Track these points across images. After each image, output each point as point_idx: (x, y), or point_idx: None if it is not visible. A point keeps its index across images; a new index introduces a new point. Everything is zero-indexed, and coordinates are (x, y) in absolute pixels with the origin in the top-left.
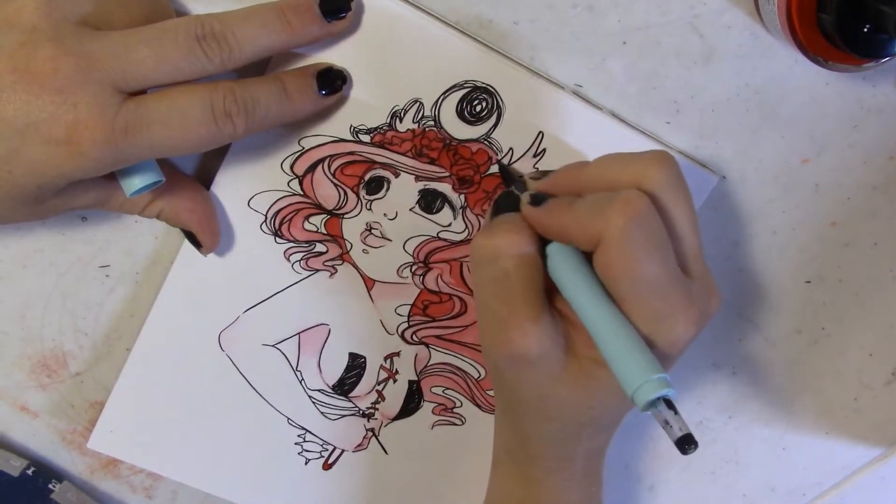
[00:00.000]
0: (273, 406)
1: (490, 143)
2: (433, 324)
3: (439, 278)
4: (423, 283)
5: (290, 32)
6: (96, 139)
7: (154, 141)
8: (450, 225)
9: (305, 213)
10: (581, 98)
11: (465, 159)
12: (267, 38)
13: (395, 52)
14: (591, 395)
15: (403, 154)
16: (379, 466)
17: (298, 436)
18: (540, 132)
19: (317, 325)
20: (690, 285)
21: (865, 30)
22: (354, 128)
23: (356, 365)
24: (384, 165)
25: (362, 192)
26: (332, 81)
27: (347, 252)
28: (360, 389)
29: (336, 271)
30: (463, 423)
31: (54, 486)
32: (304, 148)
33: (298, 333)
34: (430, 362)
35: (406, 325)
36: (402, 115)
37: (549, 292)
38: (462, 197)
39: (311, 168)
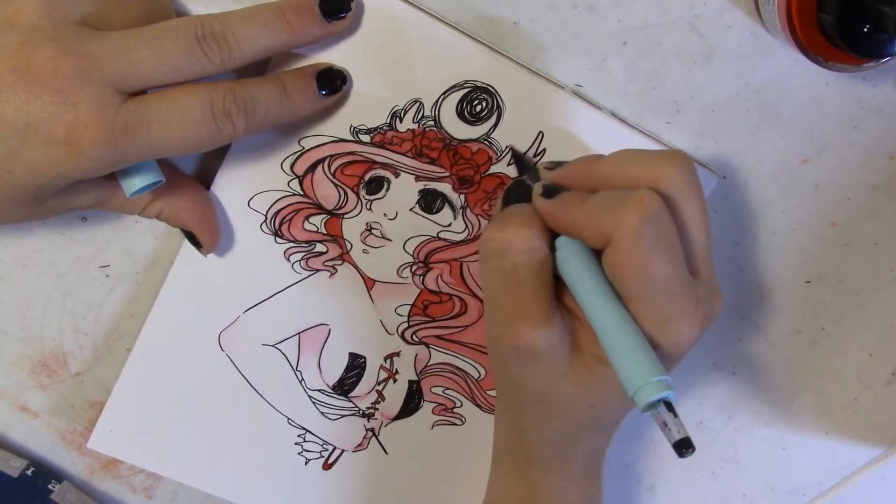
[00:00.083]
0: (273, 406)
1: (490, 143)
2: (433, 324)
3: (439, 278)
4: (423, 283)
5: (290, 32)
6: (96, 139)
7: (154, 141)
8: (450, 225)
9: (305, 213)
10: (581, 98)
11: (465, 159)
12: (267, 38)
13: (395, 52)
14: (594, 392)
15: (403, 154)
16: (379, 466)
17: (298, 436)
18: (540, 132)
19: (317, 325)
20: (698, 287)
21: (865, 30)
22: (354, 128)
23: (356, 365)
24: (384, 165)
25: (362, 192)
26: (332, 81)
27: (347, 252)
28: (360, 389)
29: (336, 271)
30: (463, 423)
31: (54, 487)
32: (304, 148)
33: (298, 333)
34: (430, 362)
35: (406, 325)
36: (402, 115)
37: (557, 287)
38: (462, 197)
39: (311, 168)
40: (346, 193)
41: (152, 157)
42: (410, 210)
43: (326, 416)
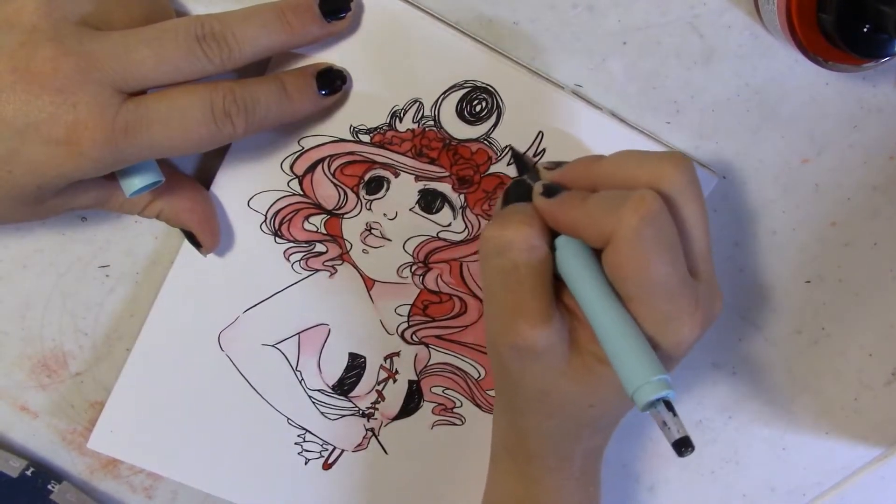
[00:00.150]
0: (273, 406)
1: (490, 143)
2: (433, 324)
3: (439, 278)
4: (422, 283)
5: (289, 32)
6: (96, 139)
7: (154, 141)
8: (450, 225)
9: (305, 213)
10: (581, 98)
11: (464, 159)
12: (267, 38)
13: (394, 52)
14: (593, 391)
15: (403, 154)
16: (379, 466)
17: (298, 436)
18: (540, 132)
19: (317, 325)
20: (698, 288)
21: (865, 30)
22: (354, 128)
23: (356, 365)
24: (384, 165)
25: (362, 192)
26: (332, 81)
27: (347, 252)
28: (359, 389)
29: (336, 271)
30: (463, 423)
31: (53, 487)
32: (303, 148)
33: (298, 333)
34: (430, 362)
35: (406, 325)
36: (401, 114)
37: (556, 286)
38: (462, 197)
39: (311, 168)
40: (345, 193)
41: (152, 157)
42: (410, 210)
43: (326, 416)
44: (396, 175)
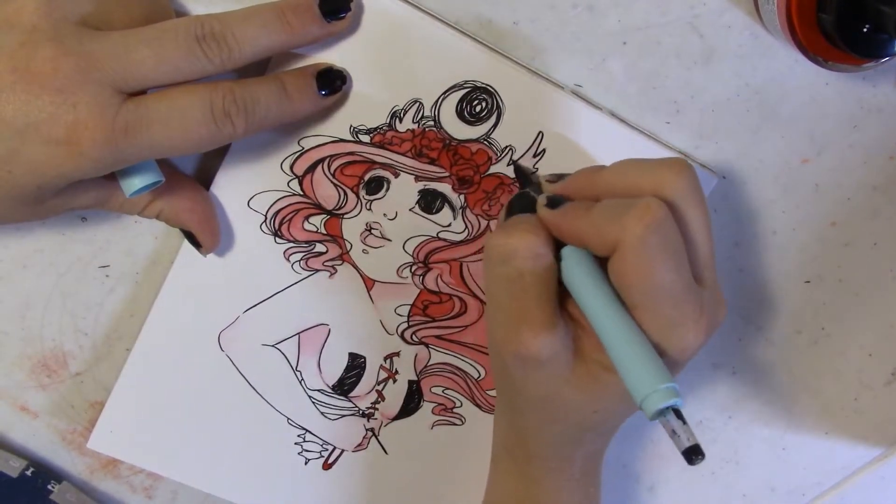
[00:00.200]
0: (273, 406)
1: (490, 143)
2: (433, 324)
3: (439, 278)
4: (422, 283)
5: (289, 33)
6: (96, 139)
7: (154, 141)
8: (449, 225)
9: (305, 213)
10: (581, 98)
11: (464, 159)
12: (267, 38)
13: (394, 52)
14: (597, 399)
15: (403, 154)
16: (379, 466)
17: (298, 436)
18: (540, 132)
19: (317, 325)
20: (702, 294)
21: (865, 30)
22: (354, 128)
23: (356, 365)
24: (384, 165)
25: (362, 193)
26: (332, 81)
27: (347, 252)
28: (359, 389)
29: (336, 271)
30: (463, 423)
31: (53, 487)
32: (303, 148)
33: (298, 333)
34: (430, 362)
35: (406, 325)
36: (401, 115)
37: (560, 295)
38: (462, 197)
39: (311, 168)
40: (345, 193)
41: (152, 158)
42: (410, 210)
43: (326, 416)
44: (396, 175)
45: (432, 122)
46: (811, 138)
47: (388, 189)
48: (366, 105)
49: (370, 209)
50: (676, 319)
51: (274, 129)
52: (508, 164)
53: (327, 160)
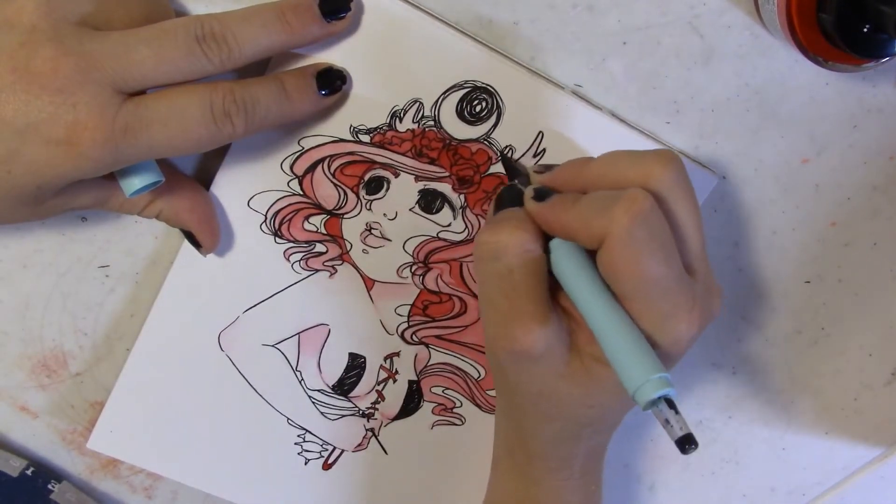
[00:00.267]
0: (273, 406)
1: (490, 143)
2: (433, 324)
3: (439, 278)
4: (422, 283)
5: (289, 33)
6: (96, 139)
7: (154, 141)
8: (449, 225)
9: (305, 213)
10: (581, 98)
11: (464, 159)
12: (267, 38)
13: (394, 52)
14: (592, 392)
15: (403, 154)
16: (379, 466)
17: (298, 436)
18: (540, 132)
19: (317, 325)
20: (694, 285)
21: (865, 30)
22: (354, 128)
23: (356, 365)
24: (384, 165)
25: (362, 192)
26: (332, 81)
27: (347, 252)
28: (359, 389)
29: (336, 271)
30: (463, 423)
31: (54, 487)
32: (303, 148)
33: (298, 333)
34: (430, 362)
35: (406, 325)
36: (401, 115)
37: (553, 289)
38: (462, 197)
39: (311, 168)
40: (345, 193)
41: (152, 158)
42: (410, 210)
43: (326, 416)
44: (396, 175)
45: (432, 122)
46: (811, 138)
47: (388, 189)
48: (366, 105)
49: (370, 209)
50: (668, 311)
51: (274, 129)
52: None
53: (327, 160)
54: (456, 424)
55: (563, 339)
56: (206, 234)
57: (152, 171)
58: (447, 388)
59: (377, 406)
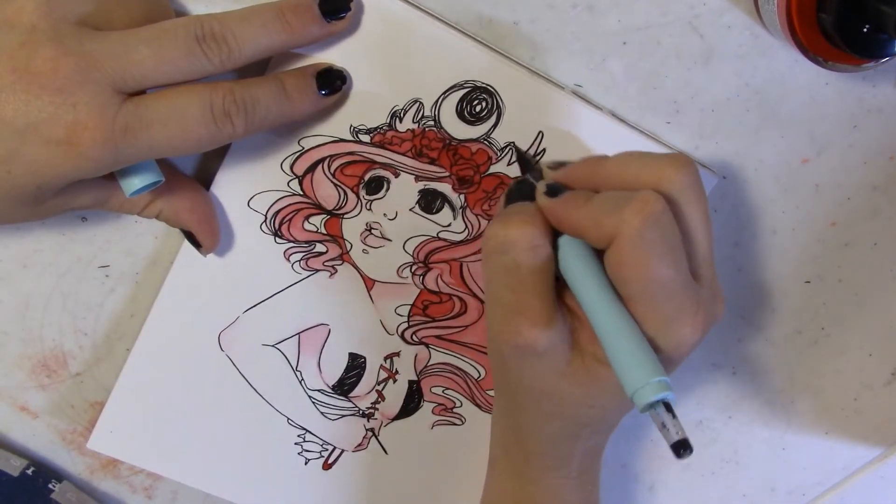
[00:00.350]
0: (273, 406)
1: (490, 143)
2: (433, 324)
3: (439, 278)
4: (422, 283)
5: (289, 33)
6: (96, 139)
7: (154, 141)
8: (450, 225)
9: (305, 213)
10: (581, 98)
11: (465, 159)
12: (267, 38)
13: (394, 52)
14: (593, 392)
15: (403, 154)
16: (379, 466)
17: (298, 436)
18: (540, 132)
19: (317, 325)
20: (699, 290)
21: (865, 30)
22: (354, 128)
23: (356, 365)
24: (384, 165)
25: (362, 192)
26: (332, 81)
27: (347, 252)
28: (359, 389)
29: (336, 271)
30: (463, 423)
31: (54, 486)
32: (303, 148)
33: (298, 333)
34: (430, 362)
35: (406, 325)
36: (401, 115)
37: (558, 287)
38: (462, 197)
39: (311, 168)
40: (345, 193)
41: (152, 158)
42: (410, 210)
43: (326, 416)
44: (396, 175)
45: (432, 122)
46: (811, 138)
47: (388, 189)
48: (366, 105)
49: (370, 209)
50: (672, 314)
51: (274, 129)
52: (510, 164)
53: (327, 160)
54: (456, 424)
55: (566, 337)
56: (206, 234)
57: (152, 171)
58: (447, 388)
59: (377, 406)
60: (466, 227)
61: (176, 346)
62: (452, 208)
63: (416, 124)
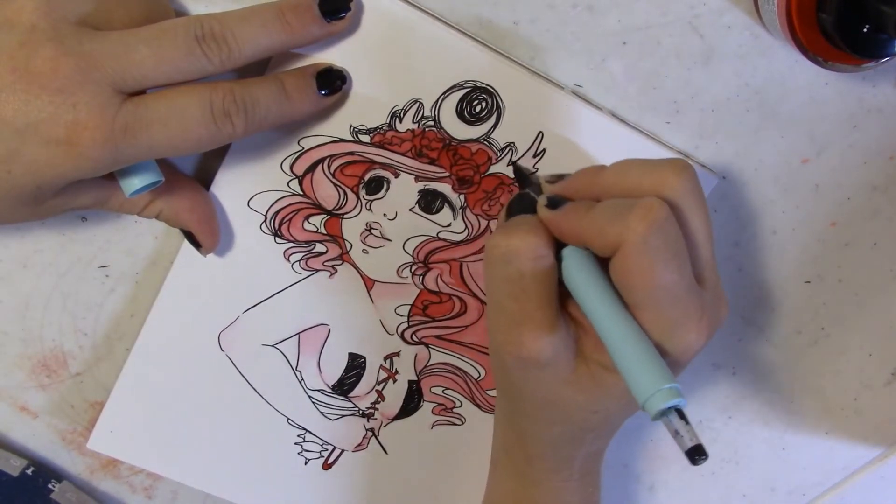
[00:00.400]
0: (273, 406)
1: (490, 143)
2: (433, 324)
3: (439, 278)
4: (422, 283)
5: (289, 33)
6: (96, 139)
7: (153, 141)
8: (449, 225)
9: (305, 213)
10: (581, 98)
11: (464, 159)
12: (266, 38)
13: (394, 52)
14: (598, 399)
15: (403, 154)
16: (378, 466)
17: (298, 436)
18: (540, 132)
19: (317, 325)
20: (703, 294)
21: (865, 30)
22: (354, 128)
23: (356, 365)
24: (384, 165)
25: (362, 192)
26: (332, 81)
27: (347, 252)
28: (359, 389)
29: (336, 271)
30: (463, 423)
31: (54, 486)
32: (303, 148)
33: (298, 333)
34: (430, 362)
35: (406, 325)
36: (401, 115)
37: (561, 296)
38: (462, 197)
39: (311, 168)
40: (345, 193)
41: (152, 158)
42: (410, 210)
43: (326, 416)
44: (396, 175)
45: (432, 122)
46: (811, 138)
47: (388, 189)
48: (366, 105)
49: (370, 209)
50: (678, 320)
51: (274, 129)
52: (508, 164)
53: (327, 160)
54: (456, 424)
55: (570, 345)
56: (206, 234)
57: (152, 171)
58: (447, 388)
59: (377, 406)
60: (466, 227)
61: (176, 346)
62: (452, 208)
63: (416, 124)
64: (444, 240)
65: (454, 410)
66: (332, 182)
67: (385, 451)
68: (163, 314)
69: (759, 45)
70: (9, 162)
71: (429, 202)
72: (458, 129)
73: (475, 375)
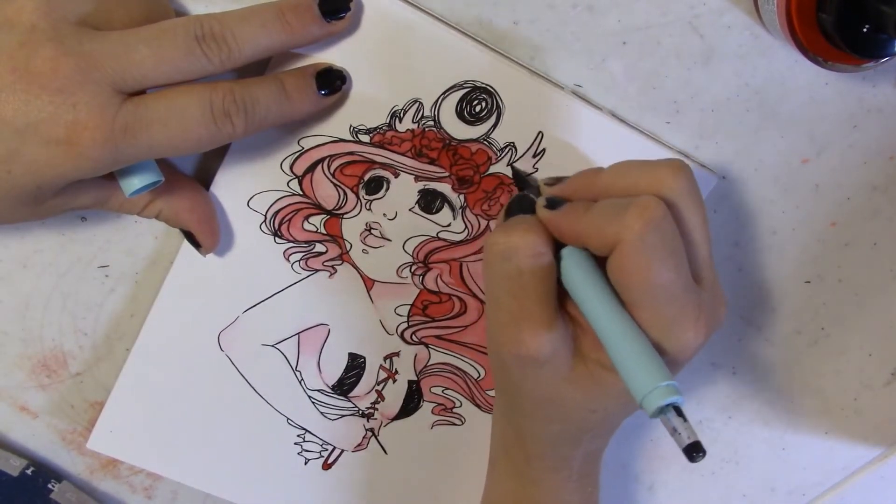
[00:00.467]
0: (273, 406)
1: (490, 143)
2: (433, 324)
3: (439, 278)
4: (422, 283)
5: (289, 32)
6: (96, 139)
7: (153, 141)
8: (449, 225)
9: (305, 213)
10: (581, 98)
11: (464, 159)
12: (266, 38)
13: (394, 52)
14: (596, 398)
15: (403, 154)
16: (378, 466)
17: (298, 436)
18: (539, 132)
19: (316, 325)
20: (701, 293)
21: (865, 30)
22: (354, 128)
23: (356, 365)
24: (384, 165)
25: (362, 192)
26: (332, 81)
27: (347, 252)
28: (359, 389)
29: (336, 271)
30: (462, 423)
31: (54, 486)
32: (303, 148)
33: (298, 333)
34: (430, 362)
35: (406, 325)
36: (401, 115)
37: (559, 295)
38: (462, 197)
39: (311, 168)
40: (345, 193)
41: (151, 157)
42: (410, 210)
43: (326, 416)
44: (396, 175)
45: (432, 122)
46: (811, 138)
47: (387, 189)
48: (366, 105)
49: (370, 209)
50: (675, 318)
51: (274, 129)
52: (508, 165)
53: (327, 160)
54: (456, 424)
55: (568, 344)
56: (206, 234)
57: (152, 171)
58: (447, 388)
59: (377, 406)
60: (466, 227)
61: (176, 346)
62: (452, 208)
63: (416, 124)
64: (444, 240)
65: (454, 410)
66: (331, 182)
67: (385, 451)
68: (163, 314)
69: (759, 45)
70: (9, 162)
71: (429, 202)
72: (458, 129)
73: (475, 375)
